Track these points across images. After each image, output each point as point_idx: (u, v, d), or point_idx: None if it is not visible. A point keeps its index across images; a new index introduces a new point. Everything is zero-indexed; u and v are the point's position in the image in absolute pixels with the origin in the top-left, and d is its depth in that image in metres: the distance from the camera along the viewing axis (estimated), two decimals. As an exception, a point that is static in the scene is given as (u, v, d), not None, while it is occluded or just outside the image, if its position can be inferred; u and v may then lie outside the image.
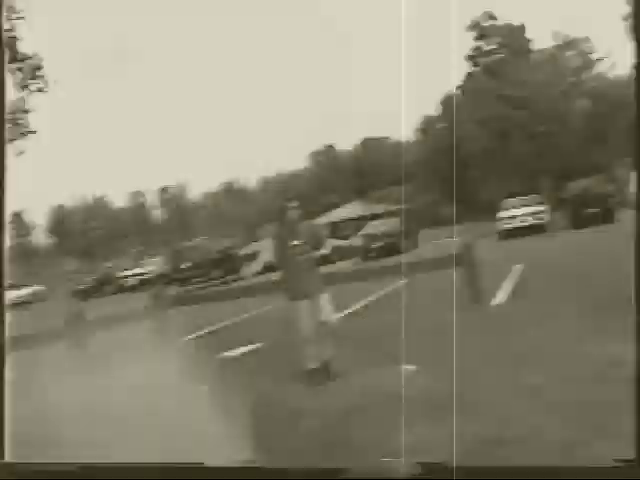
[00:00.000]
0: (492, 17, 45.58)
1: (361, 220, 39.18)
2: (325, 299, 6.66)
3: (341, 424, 5.03)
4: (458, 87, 52.70)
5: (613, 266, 11.58)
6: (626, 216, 26.07)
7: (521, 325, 7.63)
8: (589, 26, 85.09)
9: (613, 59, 49.38)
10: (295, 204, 6.73)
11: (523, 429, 4.30)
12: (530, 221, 26.39)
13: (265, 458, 4.21)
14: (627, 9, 41.58)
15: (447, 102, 56.45)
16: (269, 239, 7.14)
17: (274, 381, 6.70)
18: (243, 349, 8.85)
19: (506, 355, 6.29)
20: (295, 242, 6.60)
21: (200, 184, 75.48)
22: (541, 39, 46.69)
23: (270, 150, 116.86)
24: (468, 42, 46.70)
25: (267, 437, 4.91)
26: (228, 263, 28.02)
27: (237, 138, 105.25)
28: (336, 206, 56.42)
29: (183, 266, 26.79)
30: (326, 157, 71.04)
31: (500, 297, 10.03)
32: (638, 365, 2.74)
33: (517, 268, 13.43)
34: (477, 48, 46.34)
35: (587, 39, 49.55)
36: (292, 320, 6.62)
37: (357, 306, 11.73)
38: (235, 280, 26.87)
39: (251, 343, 9.12)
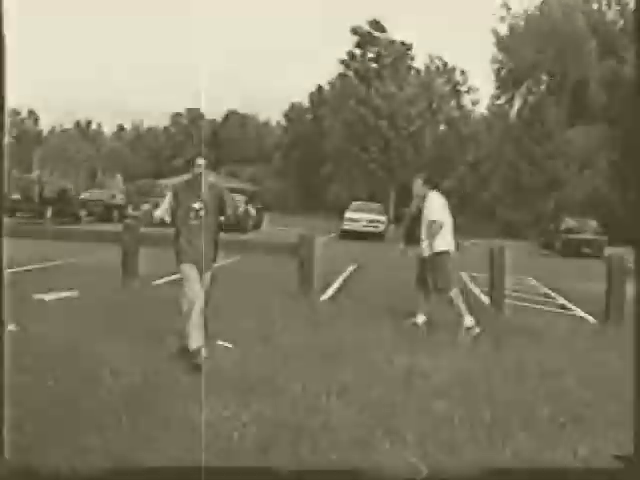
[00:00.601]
0: (379, 28, 46.53)
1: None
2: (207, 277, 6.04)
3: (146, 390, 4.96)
4: (329, 83, 53.53)
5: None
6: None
7: (333, 320, 7.92)
8: (462, 60, 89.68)
9: (477, 96, 52.41)
10: (203, 162, 6.11)
11: (323, 417, 4.46)
12: (370, 227, 27.37)
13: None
14: (496, 54, 44.36)
15: (316, 95, 57.21)
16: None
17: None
18: (60, 294, 8.48)
19: (315, 349, 6.46)
20: (195, 204, 5.93)
21: (53, 118, 71.19)
22: (419, 60, 48.33)
23: (136, 100, 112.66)
24: (349, 44, 47.44)
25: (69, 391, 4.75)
26: (64, 204, 26.68)
27: (108, 78, 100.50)
28: (184, 171, 55.39)
29: (14, 197, 25.11)
30: (188, 121, 69.43)
31: (329, 294, 10.36)
32: (637, 365, 2.88)
33: (350, 269, 13.97)
34: (352, 54, 47.20)
35: (458, 70, 52.26)
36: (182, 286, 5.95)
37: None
38: (71, 222, 25.70)
39: (70, 289, 8.76)
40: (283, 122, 63.05)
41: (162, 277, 10.40)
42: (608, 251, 22.88)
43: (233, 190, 38.65)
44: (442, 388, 5.29)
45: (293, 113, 60.41)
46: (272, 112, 72.13)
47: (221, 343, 6.36)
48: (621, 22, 41.95)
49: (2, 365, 3.12)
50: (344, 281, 12.15)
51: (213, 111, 70.15)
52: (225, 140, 68.75)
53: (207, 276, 6.05)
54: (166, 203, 6.05)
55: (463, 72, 51.73)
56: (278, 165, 59.41)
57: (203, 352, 5.62)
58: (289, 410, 4.58)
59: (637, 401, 2.84)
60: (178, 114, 70.07)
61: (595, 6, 42.31)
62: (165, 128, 70.92)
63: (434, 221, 7.70)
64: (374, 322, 7.96)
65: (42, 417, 4.09)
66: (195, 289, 5.80)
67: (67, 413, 4.26)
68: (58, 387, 4.73)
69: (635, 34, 2.91)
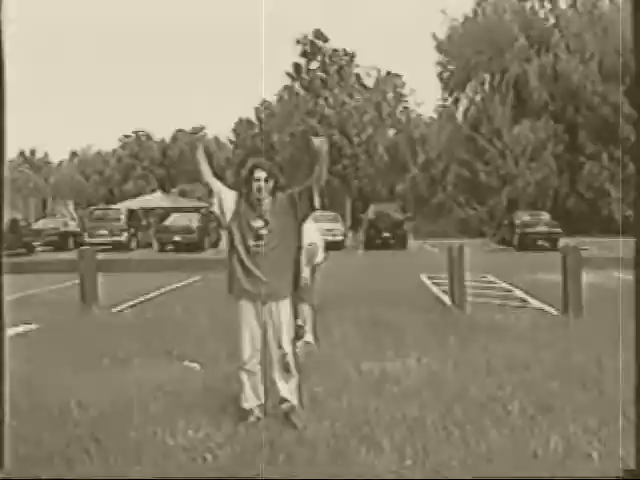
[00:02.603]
0: (322, 37, 46.83)
1: (161, 211, 38.33)
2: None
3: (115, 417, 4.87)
4: (276, 96, 53.63)
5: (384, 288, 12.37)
6: (415, 243, 28.13)
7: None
8: (405, 65, 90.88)
9: (420, 99, 53.10)
10: (263, 174, 4.77)
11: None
12: (329, 237, 27.41)
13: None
14: (438, 56, 45.13)
15: (262, 108, 57.21)
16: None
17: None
18: (17, 329, 8.28)
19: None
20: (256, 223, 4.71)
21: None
22: (364, 69, 48.77)
23: (84, 126, 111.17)
24: (295, 56, 47.63)
25: (35, 428, 4.63)
26: (15, 235, 26.10)
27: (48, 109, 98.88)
28: (138, 194, 54.74)
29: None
30: (136, 144, 68.71)
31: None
32: (638, 376, 2.87)
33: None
34: (297, 66, 47.41)
35: (401, 76, 52.93)
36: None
37: (145, 297, 11.46)
38: (24, 253, 25.14)
39: (26, 322, 8.56)
40: (232, 138, 62.88)
41: (121, 303, 10.27)
42: (562, 242, 23.40)
43: (186, 209, 38.47)
44: (412, 391, 5.32)
45: (241, 128, 60.27)
46: (221, 129, 71.98)
47: (188, 364, 6.30)
48: (552, 20, 43.03)
49: (2, 377, 3.00)
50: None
51: (161, 131, 69.71)
52: (174, 160, 68.26)
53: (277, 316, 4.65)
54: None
55: (398, 75, 52.39)
56: (231, 181, 59.14)
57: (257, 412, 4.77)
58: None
59: (638, 412, 2.88)
60: (126, 136, 69.33)
61: (528, 5, 43.27)
62: (114, 151, 70.07)
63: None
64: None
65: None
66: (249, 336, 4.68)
67: (34, 451, 4.16)
68: (22, 426, 4.60)
69: (635, 35, 2.97)
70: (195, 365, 6.28)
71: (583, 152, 39.11)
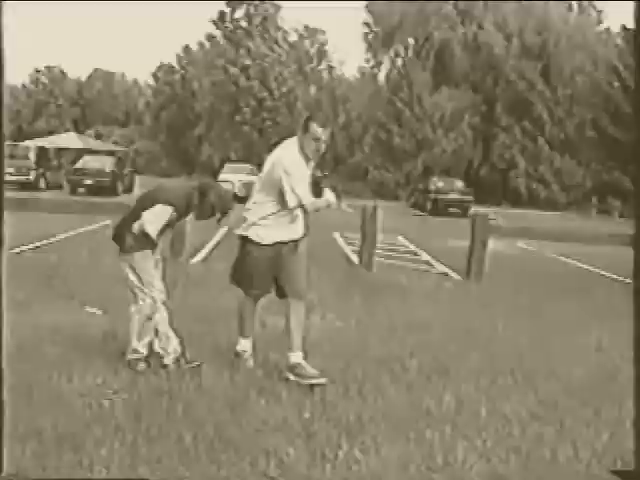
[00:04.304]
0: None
1: (74, 152, 37.02)
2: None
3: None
4: (198, 44, 52.36)
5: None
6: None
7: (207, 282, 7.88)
8: (330, 22, 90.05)
9: (343, 56, 52.88)
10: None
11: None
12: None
13: None
14: (366, 17, 44.97)
15: (184, 54, 55.74)
16: None
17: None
18: None
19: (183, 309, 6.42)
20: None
21: None
22: (288, 22, 48.11)
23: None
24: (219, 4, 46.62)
25: None
26: None
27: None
28: (50, 133, 52.57)
29: None
30: (49, 79, 65.66)
31: (199, 257, 10.26)
32: (637, 376, 2.87)
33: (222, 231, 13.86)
34: (222, 14, 46.40)
35: (323, 31, 52.53)
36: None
37: (53, 239, 11.12)
38: None
39: None
40: (152, 82, 61.00)
41: (23, 245, 9.93)
42: (473, 211, 24.10)
43: (100, 152, 37.23)
44: (314, 346, 5.40)
45: (162, 73, 58.50)
46: (140, 72, 69.72)
47: (89, 309, 6.18)
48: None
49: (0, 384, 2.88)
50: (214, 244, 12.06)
51: (77, 69, 66.87)
52: (91, 100, 65.78)
53: None
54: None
55: (323, 32, 52.06)
56: (149, 127, 57.58)
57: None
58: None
59: (637, 414, 2.97)
60: (37, 71, 66.13)
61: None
62: (24, 86, 66.72)
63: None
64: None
65: None
66: None
67: None
68: None
69: (635, 36, 3.02)
70: (97, 311, 6.16)
71: (498, 124, 40.16)
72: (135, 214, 4.64)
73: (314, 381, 4.44)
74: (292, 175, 4.41)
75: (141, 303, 4.65)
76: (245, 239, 4.68)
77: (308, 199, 4.52)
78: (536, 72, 39.19)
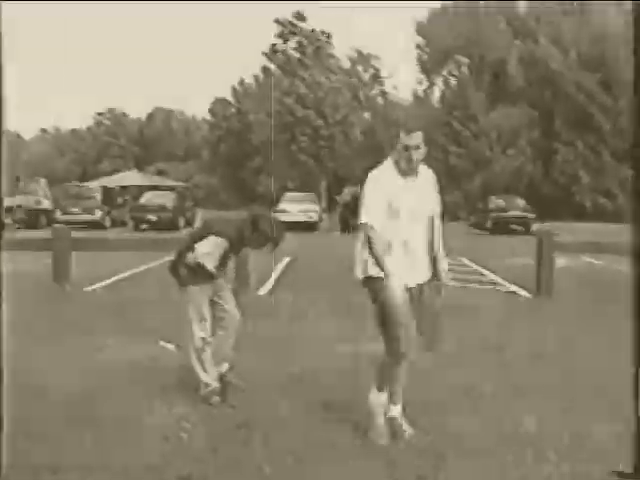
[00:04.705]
0: (300, 17, 46.62)
1: (136, 190, 37.99)
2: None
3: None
4: (253, 77, 53.32)
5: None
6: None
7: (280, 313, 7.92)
8: (381, 47, 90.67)
9: (396, 81, 53.03)
10: None
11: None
12: (303, 218, 27.36)
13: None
14: (416, 40, 45.08)
15: (239, 88, 56.80)
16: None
17: None
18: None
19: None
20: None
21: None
22: (341, 49, 48.74)
23: (54, 102, 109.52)
24: (271, 37, 47.51)
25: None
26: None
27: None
28: (114, 172, 54.15)
29: None
30: (111, 120, 67.82)
31: (267, 287, 10.32)
32: (636, 377, 2.88)
33: (287, 259, 13.97)
34: (275, 45, 47.19)
35: (377, 57, 52.78)
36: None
37: (122, 275, 11.39)
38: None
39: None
40: (209, 117, 62.33)
41: (95, 282, 10.20)
42: (536, 227, 23.61)
43: (162, 188, 38.11)
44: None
45: (218, 108, 59.72)
46: (198, 108, 71.46)
47: (163, 344, 6.28)
48: (531, 7, 43.28)
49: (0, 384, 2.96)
50: (279, 273, 12.13)
51: (137, 109, 68.86)
52: (152, 138, 67.56)
53: None
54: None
55: (377, 57, 52.26)
56: (207, 161, 58.75)
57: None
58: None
59: (637, 417, 2.90)
60: (99, 114, 68.40)
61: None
62: (88, 129, 69.10)
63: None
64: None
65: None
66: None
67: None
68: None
69: (635, 37, 2.98)
70: (170, 345, 6.25)
71: (558, 138, 39.45)
72: (189, 247, 4.68)
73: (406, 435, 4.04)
74: (363, 194, 3.91)
75: (194, 335, 4.69)
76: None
77: (365, 218, 3.85)
78: (595, 83, 38.44)
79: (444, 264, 4.13)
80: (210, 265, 4.56)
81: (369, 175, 3.97)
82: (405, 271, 3.88)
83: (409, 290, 3.92)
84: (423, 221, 4.03)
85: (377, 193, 3.88)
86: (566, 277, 10.64)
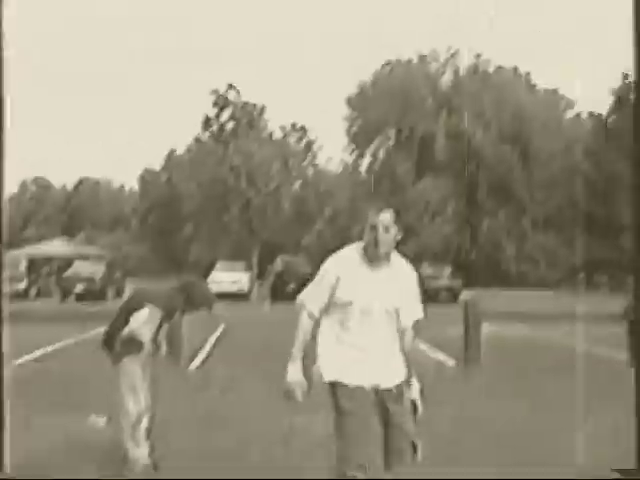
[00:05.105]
0: (234, 90, 47.42)
1: (63, 259, 37.12)
2: None
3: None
4: (187, 147, 53.65)
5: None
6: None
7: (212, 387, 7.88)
8: (315, 118, 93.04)
9: (329, 154, 54.26)
10: None
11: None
12: (234, 288, 27.26)
13: None
14: (345, 112, 46.42)
15: (170, 158, 57.06)
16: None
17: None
18: None
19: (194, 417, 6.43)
20: None
21: None
22: (273, 123, 49.67)
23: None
24: (206, 108, 48.03)
25: None
26: None
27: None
28: (40, 239, 52.80)
29: None
30: (37, 188, 66.70)
31: (199, 359, 10.25)
32: (637, 378, 2.96)
33: (219, 330, 13.93)
34: (208, 118, 47.80)
35: (309, 129, 53.90)
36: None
37: (50, 348, 11.10)
38: None
39: None
40: (137, 187, 62.12)
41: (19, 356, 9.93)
42: (464, 294, 24.18)
43: (91, 257, 37.42)
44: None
45: (147, 177, 59.64)
46: (126, 177, 71.12)
47: (95, 418, 6.16)
48: (454, 83, 45.34)
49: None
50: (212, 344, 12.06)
51: (62, 178, 68.07)
52: (78, 207, 66.61)
53: None
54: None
55: (305, 129, 53.37)
56: (136, 230, 58.18)
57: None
58: None
59: (637, 415, 3.05)
60: (25, 183, 67.26)
61: (432, 69, 45.47)
62: (12, 197, 67.71)
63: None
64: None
65: None
66: None
67: None
68: None
69: (635, 39, 3.17)
70: (102, 418, 6.13)
71: (482, 208, 40.98)
72: (122, 319, 4.64)
73: None
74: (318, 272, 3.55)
75: (129, 408, 4.63)
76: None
77: (302, 295, 3.58)
78: (514, 156, 40.41)
79: (414, 391, 3.50)
80: (147, 338, 4.56)
81: (331, 256, 3.55)
82: (354, 366, 3.39)
83: (366, 392, 3.36)
84: (382, 320, 3.44)
85: (327, 276, 3.45)
86: (493, 345, 10.95)
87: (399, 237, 3.50)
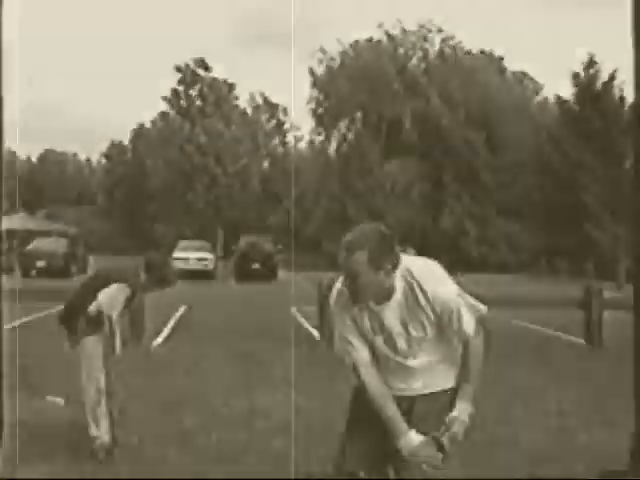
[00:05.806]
0: (202, 66, 46.85)
1: (26, 233, 36.53)
2: None
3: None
4: (151, 122, 52.95)
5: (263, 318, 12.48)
6: (285, 275, 28.26)
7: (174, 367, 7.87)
8: (289, 96, 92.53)
9: (301, 132, 54.18)
10: None
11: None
12: (198, 266, 27.15)
13: None
14: (314, 93, 46.17)
15: (137, 134, 56.25)
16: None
17: None
18: None
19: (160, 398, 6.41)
20: None
21: None
22: (243, 99, 49.24)
23: None
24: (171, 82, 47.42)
25: None
26: None
27: None
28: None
29: None
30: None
31: (161, 337, 10.21)
32: (636, 376, 2.96)
33: (182, 309, 13.86)
34: (176, 91, 47.18)
35: (282, 107, 53.70)
36: None
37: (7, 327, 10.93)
38: None
39: None
40: (104, 161, 61.20)
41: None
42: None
43: (53, 233, 36.87)
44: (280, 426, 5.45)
45: (114, 152, 58.80)
46: (93, 151, 70.08)
47: (51, 399, 6.12)
48: (423, 65, 45.33)
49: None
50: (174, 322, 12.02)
51: (27, 150, 66.78)
52: (43, 181, 65.46)
53: None
54: None
55: (285, 109, 53.22)
56: (101, 206, 57.41)
57: None
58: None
59: (637, 409, 3.08)
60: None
61: (401, 50, 45.32)
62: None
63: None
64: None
65: None
66: None
67: None
68: None
69: (635, 39, 3.19)
70: (58, 399, 6.10)
71: (447, 191, 41.24)
72: (86, 296, 4.57)
73: None
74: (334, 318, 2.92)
75: (89, 387, 4.60)
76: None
77: (349, 359, 2.87)
78: (480, 140, 40.70)
79: (463, 413, 2.72)
80: (115, 314, 4.51)
81: (333, 291, 2.84)
82: (391, 373, 2.83)
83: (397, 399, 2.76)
84: (419, 352, 2.78)
85: (346, 321, 2.79)
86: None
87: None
